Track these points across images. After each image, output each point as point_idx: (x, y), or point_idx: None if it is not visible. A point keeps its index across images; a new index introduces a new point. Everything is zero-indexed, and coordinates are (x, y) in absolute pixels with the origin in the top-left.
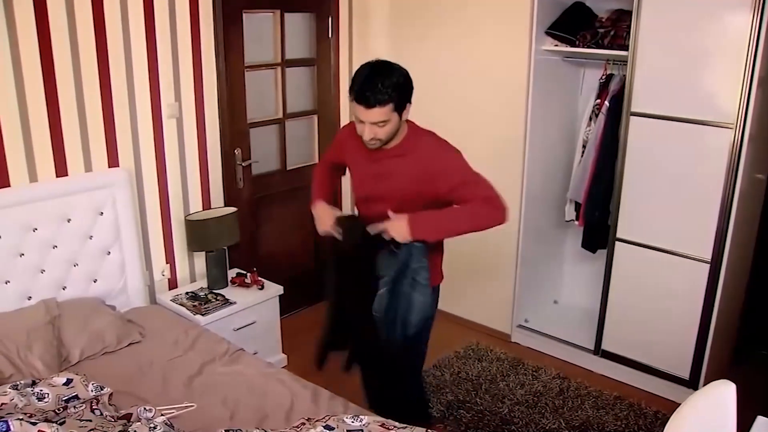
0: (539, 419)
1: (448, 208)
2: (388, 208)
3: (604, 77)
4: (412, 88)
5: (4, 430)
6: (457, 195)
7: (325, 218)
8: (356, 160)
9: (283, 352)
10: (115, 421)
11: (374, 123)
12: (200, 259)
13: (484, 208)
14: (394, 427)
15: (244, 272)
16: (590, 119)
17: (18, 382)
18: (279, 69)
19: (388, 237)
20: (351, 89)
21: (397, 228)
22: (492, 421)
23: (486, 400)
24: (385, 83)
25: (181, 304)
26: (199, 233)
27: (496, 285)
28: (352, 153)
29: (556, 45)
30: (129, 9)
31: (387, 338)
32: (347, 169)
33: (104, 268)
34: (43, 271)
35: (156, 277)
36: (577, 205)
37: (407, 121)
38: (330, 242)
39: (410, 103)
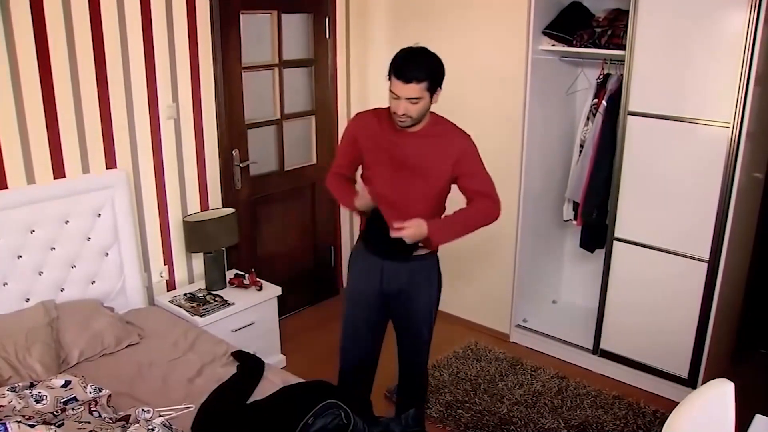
0: (538, 419)
1: (460, 213)
2: (407, 198)
3: (601, 77)
4: (444, 74)
5: None
6: (466, 181)
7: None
8: (376, 146)
9: (282, 353)
10: (113, 422)
11: (409, 99)
12: (198, 260)
13: (489, 208)
14: None
15: (243, 273)
16: (588, 119)
17: (16, 384)
18: (277, 70)
19: (410, 240)
20: (391, 66)
21: (417, 229)
22: (491, 421)
23: (485, 400)
24: (423, 63)
25: (179, 306)
26: (197, 234)
27: (495, 285)
28: (370, 141)
29: (554, 45)
30: (126, 10)
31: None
32: (360, 167)
33: (103, 270)
34: (41, 272)
35: (154, 278)
36: (575, 205)
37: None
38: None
39: (441, 88)
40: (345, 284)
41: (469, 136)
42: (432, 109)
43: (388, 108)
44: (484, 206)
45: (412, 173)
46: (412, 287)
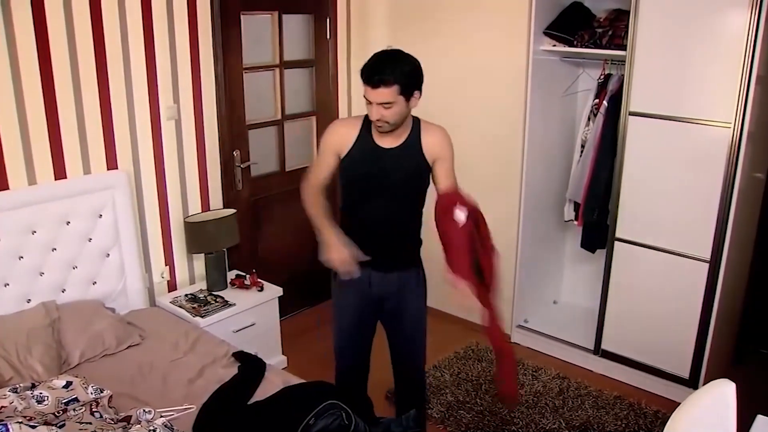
0: (539, 419)
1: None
2: (386, 199)
3: (602, 77)
4: (421, 77)
5: None
6: (440, 168)
7: (338, 250)
8: (361, 153)
9: (282, 354)
10: (114, 423)
11: (380, 104)
12: (199, 261)
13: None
14: None
15: (244, 274)
16: (589, 119)
17: (17, 385)
18: (277, 70)
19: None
20: (361, 72)
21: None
22: (492, 421)
23: (486, 401)
24: (392, 66)
25: (180, 306)
26: (198, 235)
27: None
28: (355, 148)
29: (555, 45)
30: (127, 11)
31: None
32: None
33: (104, 271)
34: (42, 273)
35: (155, 279)
36: (576, 205)
37: (414, 117)
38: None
39: (419, 91)
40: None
41: (444, 129)
42: (419, 114)
43: (366, 116)
44: None
45: (400, 178)
46: (402, 292)
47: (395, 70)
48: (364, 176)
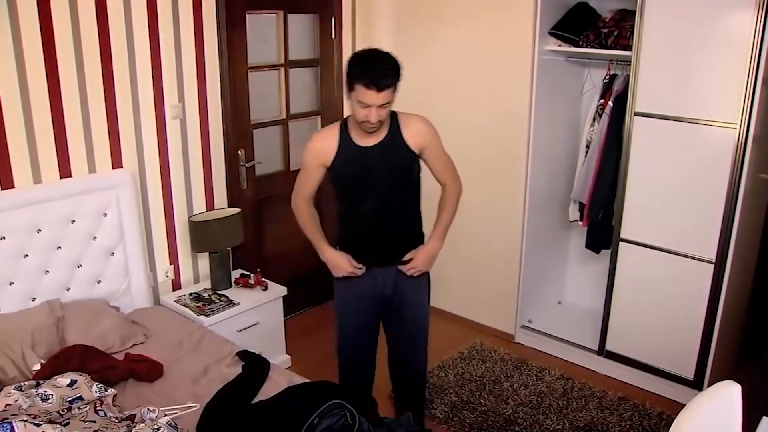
0: (543, 420)
1: (444, 217)
2: (380, 196)
3: (607, 77)
4: None
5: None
6: (430, 159)
7: (341, 263)
8: (346, 158)
9: (287, 353)
10: (119, 422)
11: (380, 105)
12: (204, 260)
13: (457, 194)
14: None
15: (248, 273)
16: (594, 119)
17: (22, 383)
18: (282, 70)
19: (416, 273)
20: (359, 76)
21: (428, 259)
22: (496, 421)
23: (490, 401)
24: (389, 67)
25: (184, 305)
26: (202, 234)
27: (500, 285)
28: (339, 155)
29: (560, 45)
30: (132, 10)
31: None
32: (324, 178)
33: (108, 269)
34: (47, 272)
35: (160, 278)
36: (581, 206)
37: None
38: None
39: None
40: (335, 291)
41: (423, 117)
42: (423, 113)
43: (341, 122)
44: (454, 196)
45: (388, 173)
46: (407, 288)
47: (393, 68)
48: (354, 178)
